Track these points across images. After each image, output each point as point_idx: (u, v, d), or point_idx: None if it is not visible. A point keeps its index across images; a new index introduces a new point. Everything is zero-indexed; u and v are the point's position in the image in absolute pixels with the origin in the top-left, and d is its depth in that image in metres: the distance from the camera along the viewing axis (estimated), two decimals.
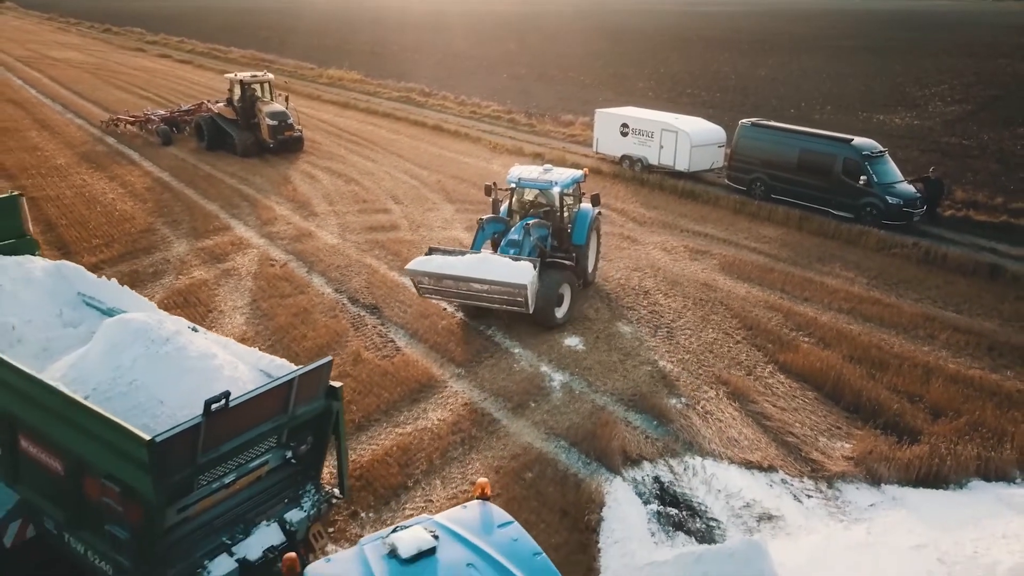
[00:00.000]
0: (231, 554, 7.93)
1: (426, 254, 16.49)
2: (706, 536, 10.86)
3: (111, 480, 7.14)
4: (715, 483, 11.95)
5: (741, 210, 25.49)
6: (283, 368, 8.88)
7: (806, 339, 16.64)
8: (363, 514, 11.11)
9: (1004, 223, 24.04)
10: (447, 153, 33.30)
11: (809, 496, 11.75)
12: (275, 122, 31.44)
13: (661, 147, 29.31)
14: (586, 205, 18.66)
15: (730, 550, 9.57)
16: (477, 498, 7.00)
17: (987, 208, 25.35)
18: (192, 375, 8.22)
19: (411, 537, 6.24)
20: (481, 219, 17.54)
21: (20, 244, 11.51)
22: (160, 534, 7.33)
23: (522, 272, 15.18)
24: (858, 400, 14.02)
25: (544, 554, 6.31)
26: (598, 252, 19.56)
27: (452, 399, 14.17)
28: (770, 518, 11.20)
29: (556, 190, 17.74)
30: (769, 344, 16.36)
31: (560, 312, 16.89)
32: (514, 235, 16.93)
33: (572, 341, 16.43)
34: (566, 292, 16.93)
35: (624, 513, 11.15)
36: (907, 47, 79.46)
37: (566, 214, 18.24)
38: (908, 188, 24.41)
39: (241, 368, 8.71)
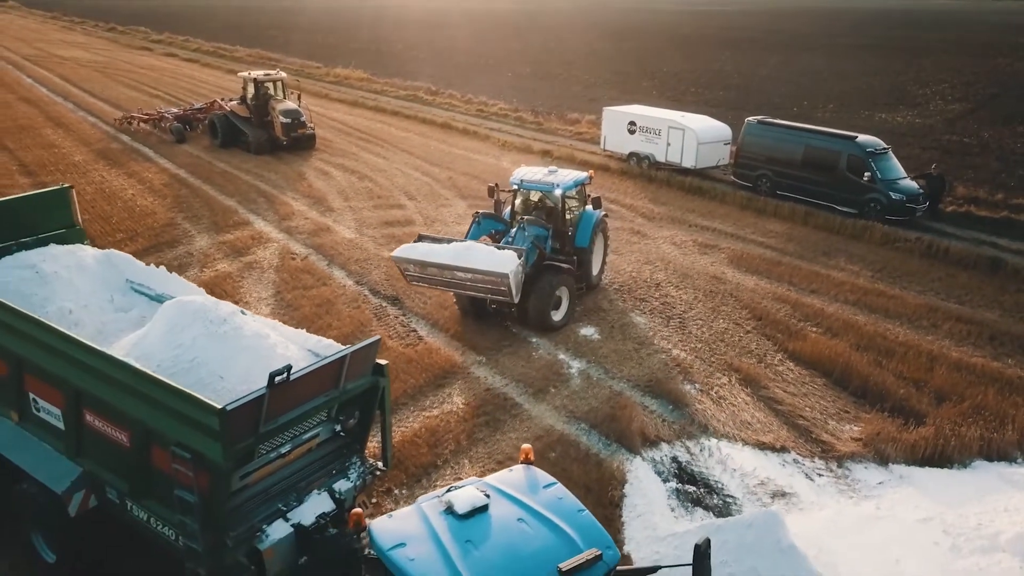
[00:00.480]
0: (286, 519, 8.49)
1: (415, 241, 16.48)
2: (723, 511, 11.44)
3: (182, 448, 7.69)
4: (730, 463, 12.54)
5: (748, 206, 26.07)
6: (330, 348, 9.46)
7: (814, 329, 17.22)
8: (396, 491, 11.67)
9: (1005, 218, 24.64)
10: (457, 151, 33.86)
11: (820, 475, 12.33)
12: (288, 120, 31.99)
13: (668, 144, 29.87)
14: (592, 207, 18.58)
15: (748, 520, 10.15)
16: (522, 463, 7.58)
17: (988, 204, 25.94)
18: (248, 353, 8.80)
19: (465, 495, 6.82)
20: (477, 213, 17.84)
21: (70, 234, 12.06)
22: (226, 498, 7.90)
23: (505, 261, 15.03)
24: (865, 386, 14.61)
25: (587, 511, 6.90)
26: (605, 256, 19.36)
27: (475, 384, 14.74)
28: (784, 495, 11.78)
29: (558, 192, 17.54)
30: (778, 334, 16.94)
31: (557, 315, 16.77)
32: (512, 238, 16.85)
33: (588, 331, 17.00)
34: (564, 295, 16.82)
35: (645, 489, 11.74)
36: (905, 46, 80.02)
37: (569, 216, 18.10)
38: (911, 184, 25.00)
39: (292, 347, 9.29)
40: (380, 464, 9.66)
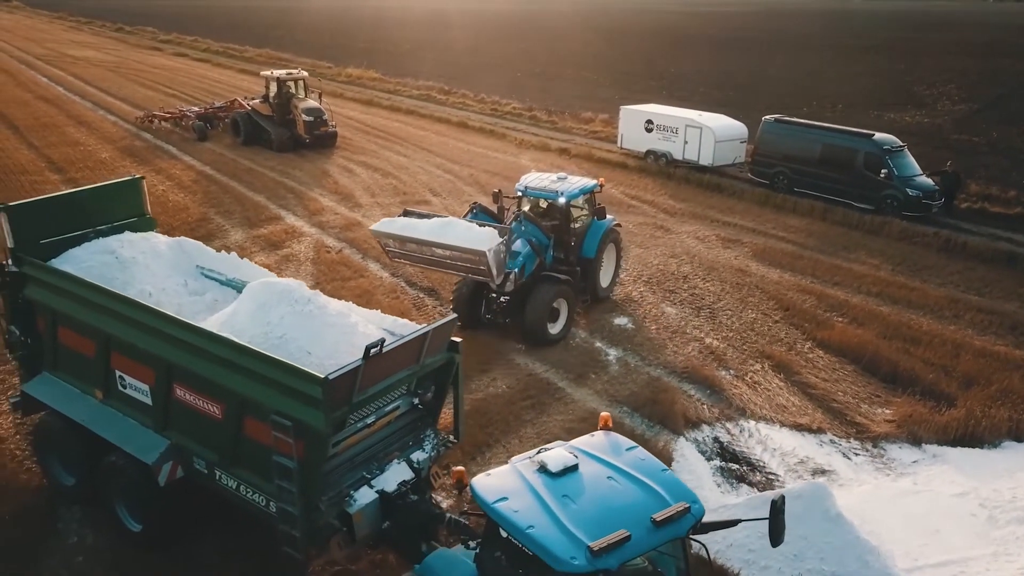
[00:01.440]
0: (371, 486, 9.04)
1: (401, 215, 16.21)
2: (766, 487, 12.00)
3: (282, 416, 8.21)
4: (770, 443, 13.10)
5: (766, 202, 26.63)
6: (405, 327, 10.01)
7: (839, 319, 17.77)
8: (453, 467, 12.19)
9: (1019, 215, 25.23)
10: (475, 149, 34.41)
11: (856, 454, 12.89)
12: (310, 118, 32.54)
13: (685, 143, 30.44)
14: (609, 216, 17.95)
15: (797, 491, 10.68)
16: (601, 429, 8.13)
17: (1001, 201, 26.53)
18: (333, 330, 9.34)
19: (557, 456, 7.34)
20: (475, 204, 17.36)
21: (142, 222, 12.57)
22: (322, 464, 8.44)
23: (484, 238, 14.46)
24: (895, 372, 15.17)
25: (670, 470, 7.43)
26: (617, 267, 18.69)
27: (517, 370, 15.29)
28: (823, 472, 12.34)
29: (562, 200, 16.80)
30: (806, 323, 17.49)
31: (555, 328, 16.17)
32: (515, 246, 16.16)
33: (621, 320, 17.56)
34: (562, 307, 16.24)
35: (692, 467, 12.32)
36: (909, 47, 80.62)
37: (576, 226, 17.37)
38: (927, 181, 25.58)
39: (370, 326, 9.82)
40: (452, 436, 10.20)
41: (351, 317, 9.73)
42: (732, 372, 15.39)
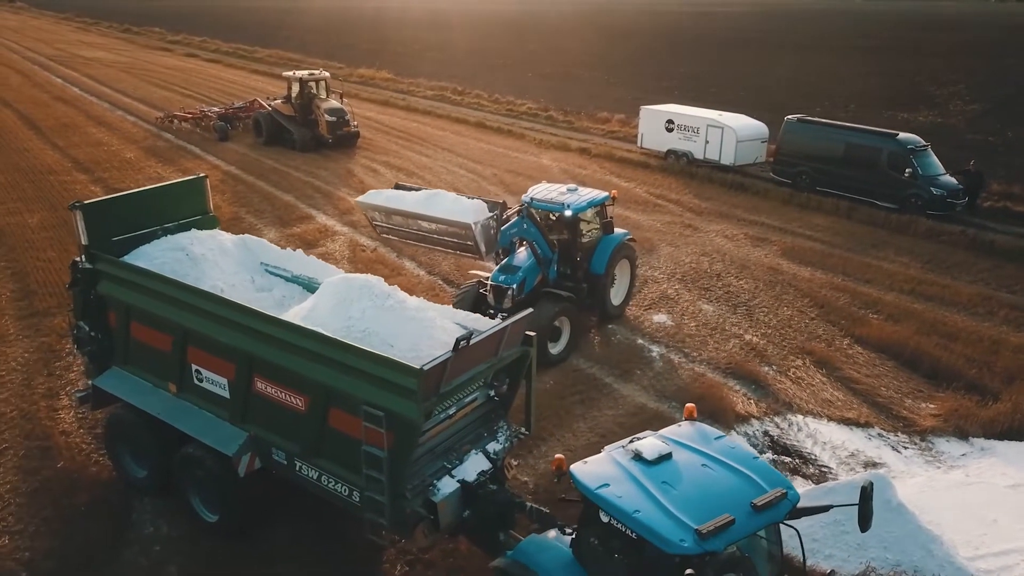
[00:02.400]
0: (451, 476, 9.27)
1: (394, 187, 15.67)
2: (820, 479, 12.23)
3: (373, 407, 8.44)
4: (819, 437, 13.34)
5: (790, 201, 26.85)
6: (477, 321, 10.27)
7: (874, 316, 18.01)
8: (514, 461, 12.43)
9: None
10: (496, 149, 34.64)
11: (906, 448, 13.12)
12: (333, 118, 32.78)
13: (707, 142, 30.66)
14: (619, 230, 17.08)
15: (859, 482, 10.88)
16: (686, 419, 8.36)
17: (1020, 199, 26.73)
18: (412, 324, 9.58)
19: (650, 444, 7.58)
20: (472, 197, 15.95)
21: (206, 220, 12.81)
22: (412, 453, 8.67)
23: (470, 211, 13.77)
24: (935, 367, 15.40)
25: (760, 458, 7.67)
26: (632, 283, 17.73)
27: (564, 365, 15.52)
28: (875, 465, 12.58)
29: (568, 213, 15.82)
30: (842, 320, 17.73)
31: (556, 348, 15.32)
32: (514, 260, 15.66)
33: (660, 318, 17.79)
34: (564, 325, 15.40)
35: None
36: (915, 47, 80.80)
37: (586, 240, 16.53)
38: (950, 180, 25.80)
39: (446, 320, 10.06)
40: (523, 428, 10.44)
41: (428, 312, 9.98)
42: (775, 368, 15.63)
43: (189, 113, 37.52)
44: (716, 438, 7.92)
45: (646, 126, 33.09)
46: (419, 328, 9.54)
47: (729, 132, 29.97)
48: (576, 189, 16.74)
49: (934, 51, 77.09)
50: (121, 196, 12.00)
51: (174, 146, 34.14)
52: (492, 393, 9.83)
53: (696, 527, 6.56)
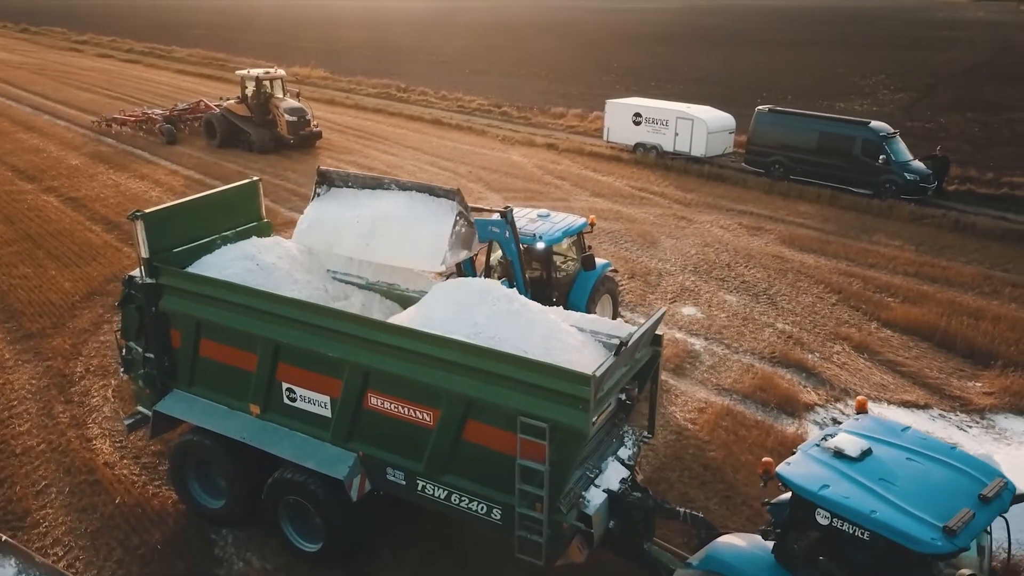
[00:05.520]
0: (596, 486, 8.79)
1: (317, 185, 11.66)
2: None
3: (534, 418, 7.88)
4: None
5: (771, 190, 27.26)
6: (593, 322, 9.86)
7: (891, 299, 18.36)
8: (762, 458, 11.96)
9: (1006, 195, 26.63)
10: (461, 146, 33.97)
11: (970, 427, 13.35)
12: (294, 118, 31.47)
13: (676, 134, 30.85)
14: (599, 260, 14.77)
15: None
16: (858, 412, 8.14)
17: (982, 182, 27.95)
18: (540, 327, 9.06)
19: (849, 441, 7.31)
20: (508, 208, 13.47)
21: (261, 227, 11.89)
22: (575, 465, 8.15)
23: (430, 249, 10.00)
24: (971, 347, 15.78)
25: (958, 447, 7.51)
26: (615, 318, 14.80)
27: None
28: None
29: (540, 246, 13.74)
30: (863, 304, 18.00)
31: None
32: None
33: (690, 311, 17.67)
34: None
35: None
36: (837, 41, 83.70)
37: (562, 275, 14.56)
38: (920, 165, 26.70)
39: (563, 322, 9.55)
40: (646, 432, 10.03)
41: (549, 314, 9.46)
42: (818, 355, 15.70)
43: (131, 116, 35.35)
44: (903, 430, 7.72)
45: (612, 120, 33.06)
46: (547, 332, 9.02)
47: (699, 124, 30.24)
48: (548, 215, 14.70)
49: (851, 43, 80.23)
50: (179, 204, 10.94)
51: (120, 151, 32.10)
52: (624, 397, 9.39)
53: (943, 524, 6.33)
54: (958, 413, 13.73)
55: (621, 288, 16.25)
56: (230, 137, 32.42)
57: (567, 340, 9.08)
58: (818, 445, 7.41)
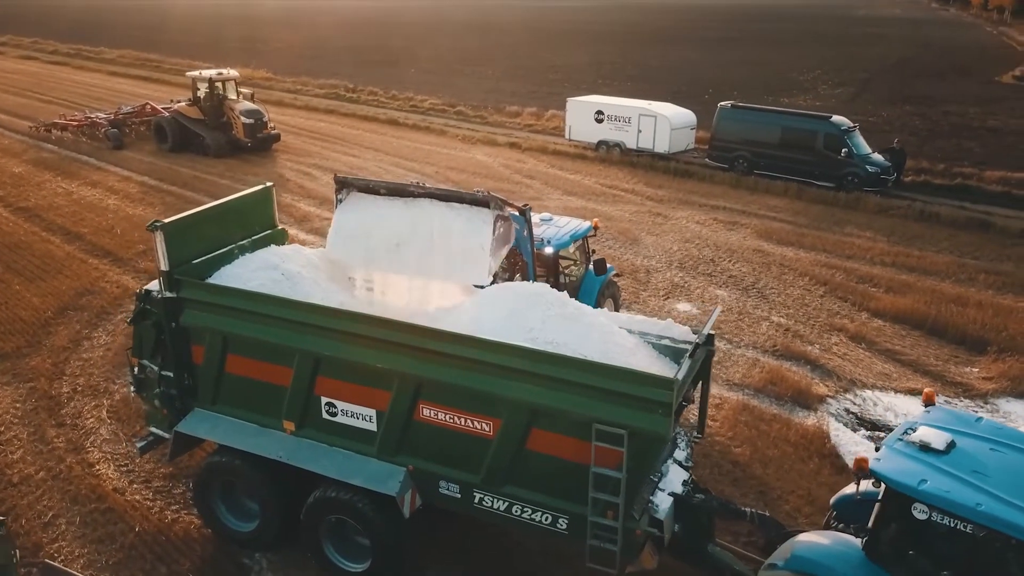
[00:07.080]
0: (662, 490, 8.63)
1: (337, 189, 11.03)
2: None
3: (610, 425, 7.67)
4: (897, 409, 13.67)
5: (738, 185, 27.62)
6: (643, 324, 9.71)
7: (874, 289, 18.76)
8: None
9: (960, 185, 27.57)
10: (422, 146, 33.48)
11: (975, 411, 13.64)
12: (251, 120, 30.51)
13: (639, 131, 31.01)
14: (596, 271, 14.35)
15: None
16: (925, 404, 8.18)
17: (936, 173, 28.88)
18: (596, 331, 8.86)
19: (932, 434, 7.34)
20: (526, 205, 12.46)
21: (276, 234, 11.35)
22: (652, 471, 7.97)
23: (473, 261, 9.81)
24: (962, 334, 16.20)
25: None
26: None
27: None
28: None
29: (548, 250, 13.47)
30: (850, 295, 18.34)
31: None
32: None
33: (684, 307, 17.71)
34: None
35: (849, 438, 12.64)
36: (770, 38, 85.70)
37: (567, 280, 14.29)
38: (880, 158, 27.44)
39: (614, 325, 9.36)
40: (696, 432, 9.92)
41: (600, 317, 9.27)
42: (818, 346, 15.91)
43: (73, 120, 33.73)
44: (976, 420, 7.80)
45: (574, 118, 33.04)
46: (603, 335, 8.83)
47: (663, 120, 30.46)
48: (551, 219, 14.51)
49: (780, 40, 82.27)
50: (196, 213, 10.33)
51: (64, 157, 30.61)
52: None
53: None
54: (961, 399, 14.06)
55: None
56: (183, 141, 31.25)
57: (623, 343, 8.91)
58: (901, 439, 7.42)
